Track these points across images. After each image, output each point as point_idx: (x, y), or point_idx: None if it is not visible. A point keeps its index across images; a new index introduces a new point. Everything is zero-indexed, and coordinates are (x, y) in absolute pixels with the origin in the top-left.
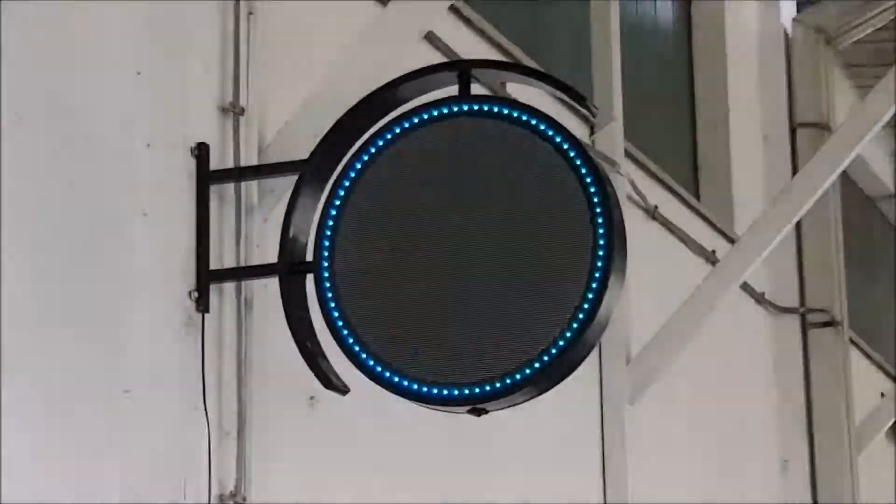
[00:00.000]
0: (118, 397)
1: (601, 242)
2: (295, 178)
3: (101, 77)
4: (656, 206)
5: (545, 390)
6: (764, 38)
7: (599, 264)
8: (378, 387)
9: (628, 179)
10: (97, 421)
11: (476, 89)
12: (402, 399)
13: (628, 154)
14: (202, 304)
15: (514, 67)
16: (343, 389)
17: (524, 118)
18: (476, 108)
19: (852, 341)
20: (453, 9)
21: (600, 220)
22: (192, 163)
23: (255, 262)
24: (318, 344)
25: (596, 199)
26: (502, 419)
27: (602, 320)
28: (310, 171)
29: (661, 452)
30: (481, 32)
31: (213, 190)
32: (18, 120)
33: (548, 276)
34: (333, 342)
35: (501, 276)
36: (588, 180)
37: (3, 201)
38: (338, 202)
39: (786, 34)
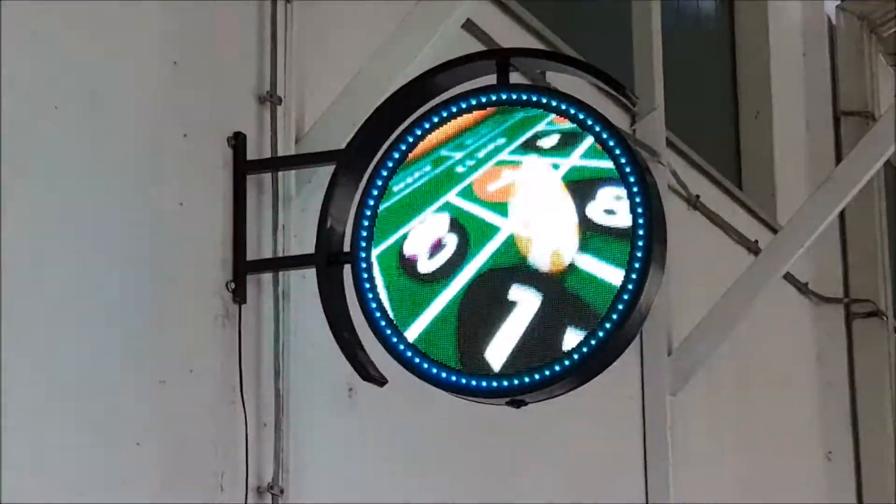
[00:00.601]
0: (154, 388)
1: (640, 232)
2: (332, 167)
3: (138, 67)
4: (698, 196)
5: (585, 381)
6: (807, 26)
7: (639, 254)
8: (416, 378)
9: (670, 169)
10: (134, 411)
11: (516, 79)
12: (440, 391)
13: (670, 143)
14: (239, 295)
15: (554, 56)
16: (381, 381)
17: (563, 107)
18: (515, 96)
19: None
20: None
21: (640, 210)
22: (229, 152)
23: (293, 252)
24: (355, 335)
25: (635, 189)
26: (543, 411)
27: (642, 310)
28: (347, 160)
29: (704, 444)
30: (520, 21)
31: (250, 180)
32: (56, 111)
33: (588, 265)
34: (371, 333)
35: (543, 267)
36: (627, 170)
37: (42, 192)
38: (375, 192)
39: (829, 22)
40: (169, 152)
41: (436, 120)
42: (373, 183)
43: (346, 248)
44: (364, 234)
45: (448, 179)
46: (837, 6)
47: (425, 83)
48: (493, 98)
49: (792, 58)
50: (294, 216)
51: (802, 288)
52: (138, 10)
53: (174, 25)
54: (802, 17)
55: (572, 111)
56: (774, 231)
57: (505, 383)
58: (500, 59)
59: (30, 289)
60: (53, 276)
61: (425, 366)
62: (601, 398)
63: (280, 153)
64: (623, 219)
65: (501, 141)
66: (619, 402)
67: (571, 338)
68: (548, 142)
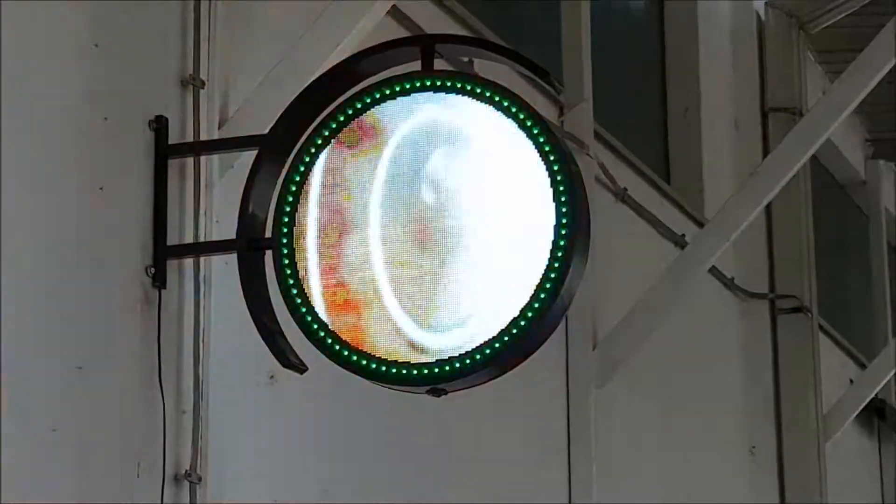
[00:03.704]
0: (72, 373)
1: (564, 221)
2: (255, 152)
3: (58, 50)
4: (626, 189)
5: (505, 371)
6: (737, 22)
7: (562, 243)
8: (337, 366)
9: (597, 162)
10: (50, 397)
11: (441, 66)
12: (361, 379)
13: (598, 136)
14: (159, 280)
15: (479, 43)
16: (301, 368)
17: (487, 94)
18: (439, 83)
19: (821, 328)
20: None
21: (563, 199)
22: (151, 136)
23: (215, 237)
24: (276, 321)
25: (559, 178)
26: (465, 402)
27: (565, 299)
28: (270, 145)
29: (628, 437)
30: (448, 10)
31: (172, 164)
32: None
33: (510, 254)
34: (292, 320)
35: (463, 254)
36: (552, 158)
37: None
38: (297, 178)
39: (758, 18)
40: (89, 136)
41: (359, 106)
42: (295, 168)
43: (268, 235)
44: (286, 219)
45: None
46: (766, 3)
47: (349, 68)
48: (417, 84)
49: (721, 53)
50: (216, 201)
51: (728, 283)
52: None
53: (95, 7)
54: (732, 13)
55: (496, 98)
56: (701, 225)
57: (425, 372)
58: (425, 45)
59: None
60: None
61: (345, 353)
62: (525, 390)
63: (203, 138)
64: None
65: None
66: (544, 394)
67: (491, 327)
68: None
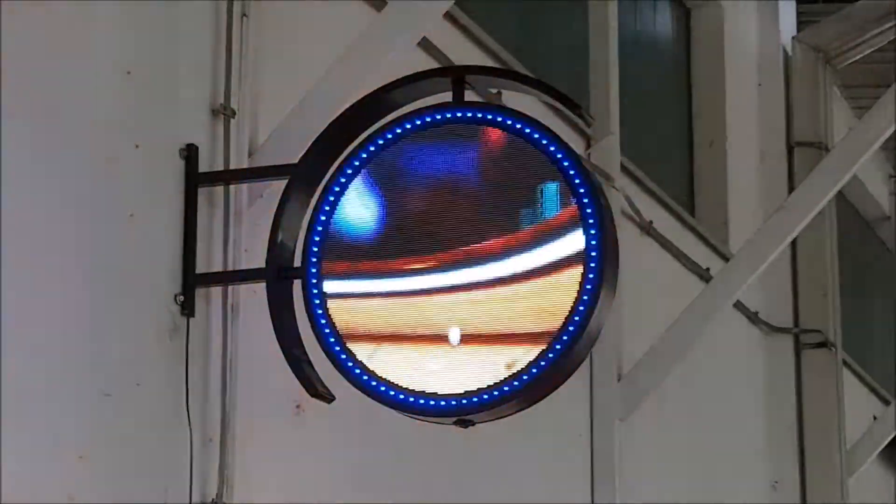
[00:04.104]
0: (100, 400)
1: (593, 254)
2: (285, 182)
3: (91, 77)
4: (651, 222)
5: (532, 403)
6: (763, 56)
7: (591, 276)
8: (364, 396)
9: (623, 194)
10: (78, 424)
11: (471, 98)
12: (388, 409)
13: (624, 169)
14: (187, 309)
15: (509, 74)
16: (328, 397)
17: (518, 126)
18: (469, 114)
19: (845, 363)
20: (449, 16)
21: (592, 231)
22: (181, 165)
23: (243, 266)
24: (304, 351)
25: (588, 210)
26: (491, 433)
27: (592, 333)
28: (299, 175)
29: (651, 470)
30: (477, 40)
31: (202, 192)
32: (8, 119)
33: (539, 287)
34: (320, 349)
35: (492, 288)
36: (581, 191)
37: None
38: (327, 207)
39: (785, 53)
40: (121, 163)
41: (389, 136)
42: (324, 198)
43: (297, 264)
44: (315, 249)
45: None
46: (793, 37)
47: (380, 99)
48: (448, 116)
49: (747, 87)
50: (245, 230)
51: (752, 317)
52: (93, 20)
53: (129, 36)
54: (758, 48)
55: (527, 130)
56: (726, 259)
57: (453, 403)
58: (456, 76)
59: None
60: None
61: (373, 383)
62: (550, 421)
63: (233, 166)
64: (576, 240)
65: None
66: (568, 426)
67: (520, 359)
68: None
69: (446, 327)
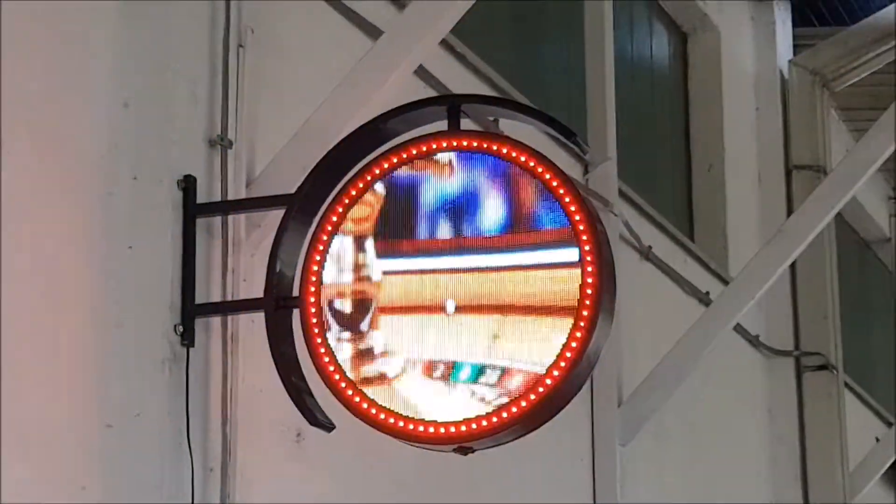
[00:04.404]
0: (100, 431)
1: (590, 280)
2: (282, 212)
3: (88, 108)
4: (650, 247)
5: (532, 430)
6: (760, 80)
7: (588, 303)
8: (364, 424)
9: (622, 220)
10: (79, 455)
11: (467, 126)
12: (388, 437)
13: (622, 194)
14: (187, 339)
15: (505, 103)
16: (329, 426)
17: (514, 154)
18: (465, 143)
19: (847, 385)
20: (445, 44)
21: (589, 258)
22: (179, 195)
23: (242, 296)
24: (303, 380)
25: (585, 237)
26: (491, 460)
27: (591, 360)
28: (297, 204)
29: (653, 495)
30: (474, 69)
31: (200, 223)
32: (2, 149)
33: (536, 315)
34: (319, 378)
35: (490, 315)
36: (577, 218)
37: None
38: (325, 237)
39: (782, 76)
40: (118, 195)
41: (386, 166)
42: (322, 227)
43: (295, 293)
44: (313, 279)
45: None
46: (790, 61)
47: (376, 128)
48: (444, 144)
49: (745, 111)
50: (244, 260)
51: (753, 340)
52: (89, 51)
53: (125, 66)
54: (755, 71)
55: (522, 159)
56: (726, 282)
57: (452, 430)
58: (452, 105)
59: None
60: None
61: (373, 412)
62: (551, 447)
63: (230, 197)
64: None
65: None
66: (570, 450)
67: (519, 385)
68: None
69: (445, 354)
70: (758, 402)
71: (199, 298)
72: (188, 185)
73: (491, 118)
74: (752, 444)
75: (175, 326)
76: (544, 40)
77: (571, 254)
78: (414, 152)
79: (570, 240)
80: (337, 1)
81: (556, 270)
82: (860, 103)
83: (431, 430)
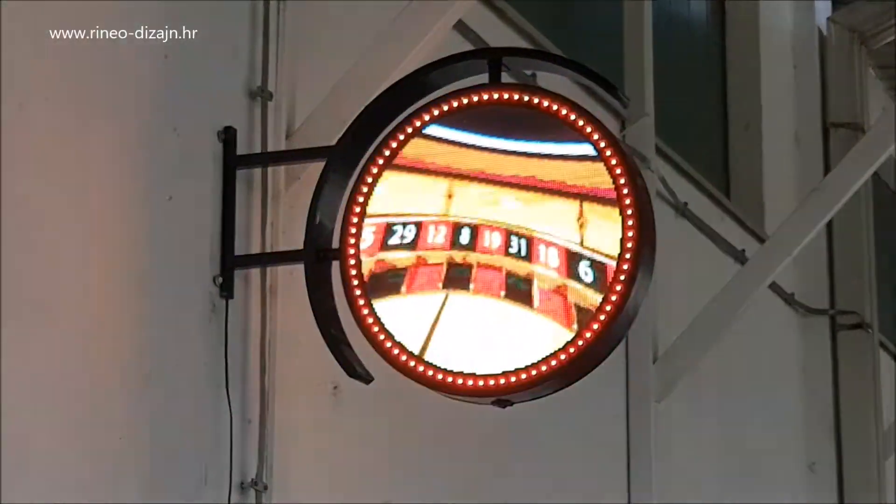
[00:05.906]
0: (139, 382)
1: (630, 234)
2: (322, 164)
3: (128, 61)
4: (686, 204)
5: (571, 383)
6: (798, 37)
7: (628, 256)
8: (403, 376)
9: (658, 176)
10: (118, 405)
11: (506, 80)
12: (427, 389)
13: (659, 150)
14: (226, 290)
15: (545, 56)
16: (367, 378)
17: (555, 108)
18: (506, 96)
19: (882, 344)
20: None
21: (630, 212)
22: (219, 147)
23: (281, 248)
24: (342, 331)
25: (626, 191)
26: (529, 413)
27: (629, 313)
28: (337, 157)
29: (687, 451)
30: (512, 23)
31: (240, 175)
32: (46, 102)
33: (578, 266)
34: (358, 330)
35: (530, 267)
36: (618, 171)
37: (31, 187)
38: (365, 189)
39: (820, 33)
40: (158, 147)
41: (426, 118)
42: (362, 179)
43: (335, 245)
44: (353, 230)
45: None
46: (828, 18)
47: (416, 81)
48: (485, 97)
49: (782, 69)
50: (283, 212)
51: (788, 298)
52: (129, 5)
53: (166, 20)
54: (793, 29)
55: (563, 112)
56: (762, 240)
57: (491, 383)
58: (492, 58)
59: (14, 284)
60: (39, 270)
61: (412, 364)
62: (587, 402)
63: (270, 149)
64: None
65: None
66: (605, 406)
67: (558, 339)
68: None
69: (485, 307)
70: (792, 361)
71: (239, 250)
72: (228, 136)
73: (529, 72)
74: (786, 403)
75: (214, 278)
76: None
77: (612, 207)
78: (455, 104)
79: (611, 194)
80: None
81: (597, 223)
82: None
83: (470, 382)
